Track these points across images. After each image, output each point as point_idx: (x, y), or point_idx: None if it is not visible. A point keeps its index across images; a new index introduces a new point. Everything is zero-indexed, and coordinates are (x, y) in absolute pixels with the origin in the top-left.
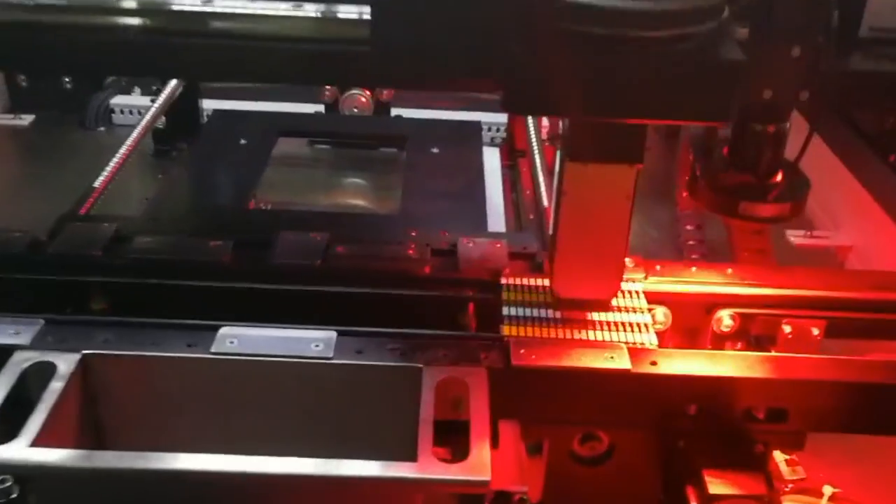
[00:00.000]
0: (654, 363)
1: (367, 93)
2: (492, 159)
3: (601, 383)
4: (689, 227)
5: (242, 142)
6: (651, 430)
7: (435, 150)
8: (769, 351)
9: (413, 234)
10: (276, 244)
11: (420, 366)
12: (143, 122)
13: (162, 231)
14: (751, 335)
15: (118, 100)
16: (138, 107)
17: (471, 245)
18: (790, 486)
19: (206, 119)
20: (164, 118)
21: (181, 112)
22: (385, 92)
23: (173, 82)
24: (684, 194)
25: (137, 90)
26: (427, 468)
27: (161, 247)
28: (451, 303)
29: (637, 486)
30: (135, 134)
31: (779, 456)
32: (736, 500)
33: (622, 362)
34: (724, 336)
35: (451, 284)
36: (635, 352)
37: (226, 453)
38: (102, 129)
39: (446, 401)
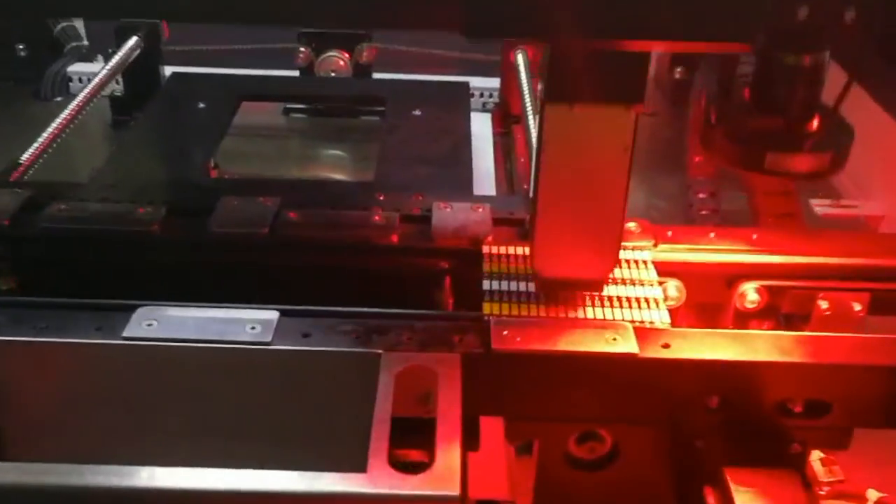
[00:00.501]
0: (666, 346)
1: (346, 55)
2: (482, 125)
3: (602, 371)
4: (701, 196)
5: (201, 106)
6: (663, 427)
7: (417, 113)
8: (802, 331)
9: (381, 198)
10: (216, 210)
11: (379, 352)
12: (91, 86)
13: (92, 199)
14: (780, 313)
15: (76, 67)
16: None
17: (447, 210)
18: (826, 489)
19: None
20: (121, 86)
21: (140, 79)
22: (365, 53)
23: (130, 43)
24: (696, 159)
25: (100, 58)
26: (378, 480)
27: (79, 215)
28: (422, 276)
29: (645, 494)
30: (80, 97)
31: (813, 454)
32: None
33: (628, 345)
34: (749, 314)
35: (422, 254)
36: (643, 332)
37: (141, 460)
38: (59, 99)
39: (411, 394)
